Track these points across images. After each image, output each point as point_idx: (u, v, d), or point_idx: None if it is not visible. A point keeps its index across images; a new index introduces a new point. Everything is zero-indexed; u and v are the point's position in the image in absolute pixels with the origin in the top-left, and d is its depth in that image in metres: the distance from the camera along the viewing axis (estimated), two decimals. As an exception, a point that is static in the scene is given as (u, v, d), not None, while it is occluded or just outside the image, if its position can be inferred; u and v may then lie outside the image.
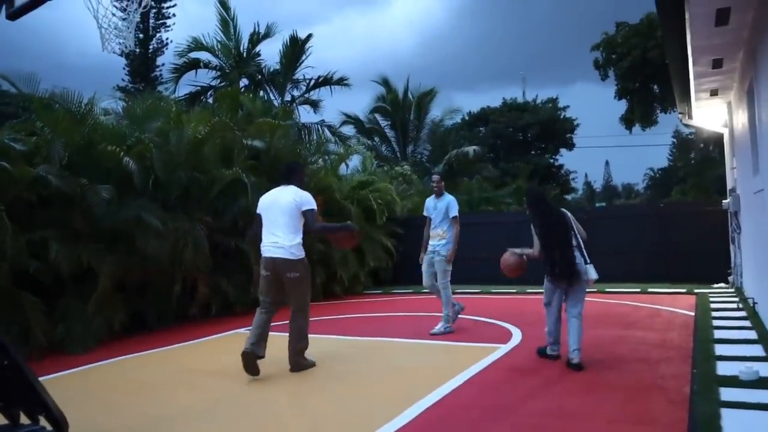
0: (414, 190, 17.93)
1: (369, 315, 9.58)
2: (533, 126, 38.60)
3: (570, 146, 41.29)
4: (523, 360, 5.76)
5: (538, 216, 5.51)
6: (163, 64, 26.53)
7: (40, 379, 5.60)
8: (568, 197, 45.02)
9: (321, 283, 11.68)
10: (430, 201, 7.79)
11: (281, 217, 5.53)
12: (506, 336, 7.01)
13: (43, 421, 3.29)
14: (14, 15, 3.55)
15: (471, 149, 23.64)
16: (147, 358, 6.79)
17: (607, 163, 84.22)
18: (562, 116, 40.79)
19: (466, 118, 40.80)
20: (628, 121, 26.45)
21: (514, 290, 11.77)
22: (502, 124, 38.84)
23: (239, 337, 7.95)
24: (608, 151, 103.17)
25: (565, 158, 41.54)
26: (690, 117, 11.08)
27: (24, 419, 3.35)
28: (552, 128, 39.18)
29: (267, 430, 3.96)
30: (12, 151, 7.35)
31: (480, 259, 11.45)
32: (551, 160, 40.65)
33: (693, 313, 7.95)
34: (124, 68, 27.01)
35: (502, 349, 6.23)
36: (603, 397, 4.37)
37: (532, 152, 39.86)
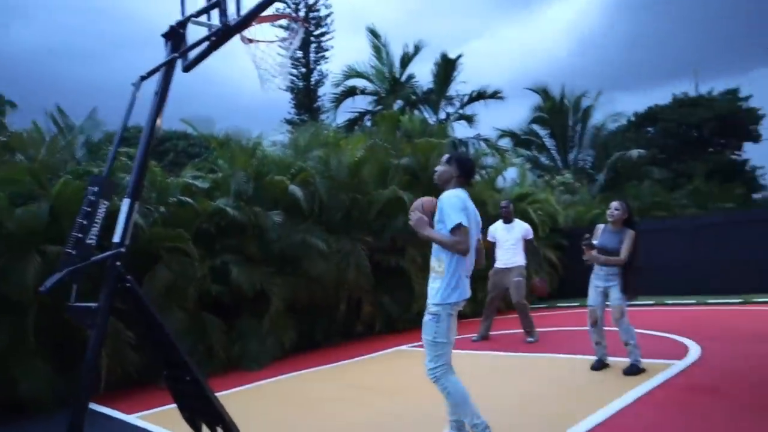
0: (578, 199, 17.29)
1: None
2: (709, 121, 35.47)
3: (756, 139, 37.39)
4: (702, 378, 5.30)
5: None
6: (324, 95, 28.11)
7: (222, 393, 6.17)
8: (758, 196, 40.71)
9: (484, 298, 11.58)
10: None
11: None
12: (682, 351, 6.50)
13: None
14: (188, 67, 3.98)
15: (635, 152, 22.39)
16: (315, 375, 7.17)
17: (803, 155, 75.20)
18: (743, 107, 37.11)
19: (632, 119, 38.58)
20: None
21: (693, 301, 10.85)
22: (672, 123, 36.15)
23: (402, 353, 8.15)
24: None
25: (751, 153, 37.48)
26: None
27: (205, 430, 3.70)
28: (732, 122, 35.76)
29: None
30: (194, 187, 8.28)
31: (652, 268, 10.72)
32: (733, 157, 37.08)
33: None
34: (289, 102, 29.01)
35: (678, 366, 5.78)
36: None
37: (710, 149, 36.61)
